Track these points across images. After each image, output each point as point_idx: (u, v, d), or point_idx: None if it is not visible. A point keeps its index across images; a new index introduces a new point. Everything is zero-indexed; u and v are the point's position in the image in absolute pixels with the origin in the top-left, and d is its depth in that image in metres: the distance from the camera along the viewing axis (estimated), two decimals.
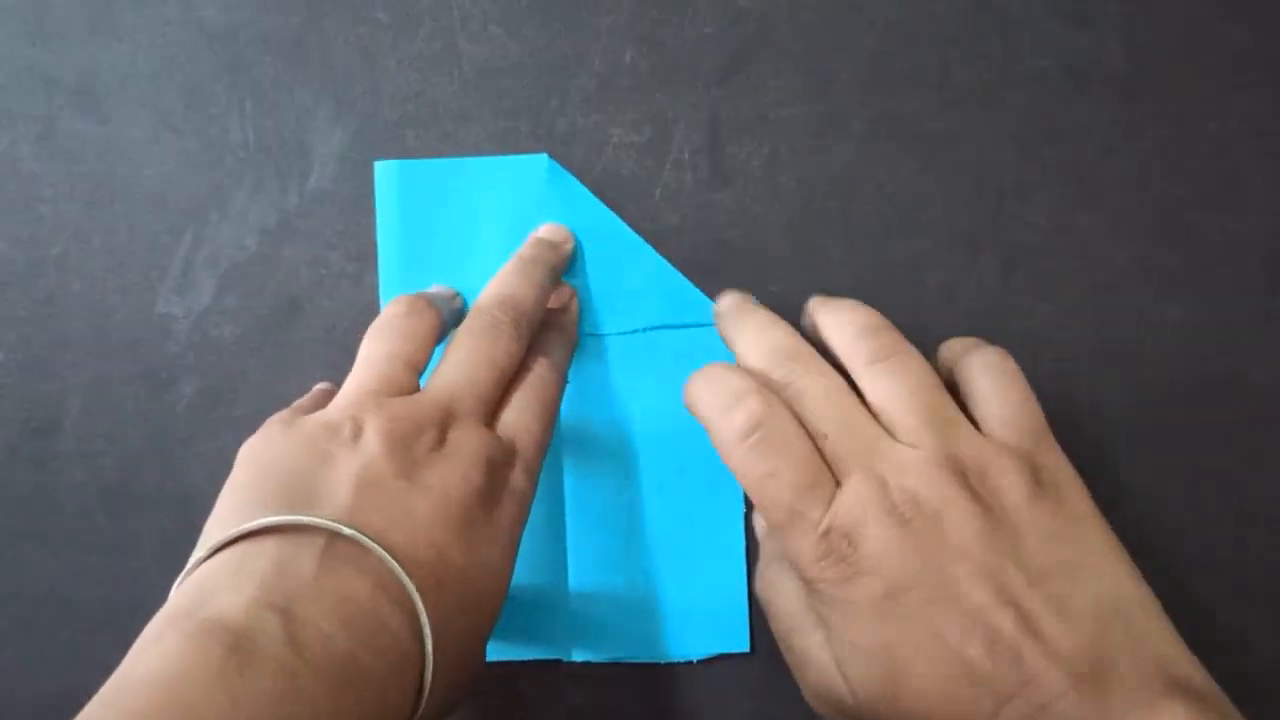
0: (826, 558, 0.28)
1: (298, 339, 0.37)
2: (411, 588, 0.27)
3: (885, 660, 0.27)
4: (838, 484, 0.28)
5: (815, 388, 0.30)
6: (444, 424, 0.30)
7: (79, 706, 0.23)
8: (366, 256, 0.37)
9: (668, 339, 0.36)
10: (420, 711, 0.27)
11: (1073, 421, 0.36)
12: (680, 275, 0.36)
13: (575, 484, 0.36)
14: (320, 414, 0.30)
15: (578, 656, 0.35)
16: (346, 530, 0.27)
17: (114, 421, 0.37)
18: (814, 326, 0.33)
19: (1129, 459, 0.36)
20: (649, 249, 0.36)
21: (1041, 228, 0.37)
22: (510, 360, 0.33)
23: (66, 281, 0.37)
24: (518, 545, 0.31)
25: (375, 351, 0.32)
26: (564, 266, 0.36)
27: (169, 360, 0.37)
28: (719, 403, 0.30)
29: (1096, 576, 0.27)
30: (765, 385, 0.30)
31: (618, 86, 0.37)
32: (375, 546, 0.27)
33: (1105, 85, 0.37)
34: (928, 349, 0.36)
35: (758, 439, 0.29)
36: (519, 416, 0.32)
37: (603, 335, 0.36)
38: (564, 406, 0.36)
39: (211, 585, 0.25)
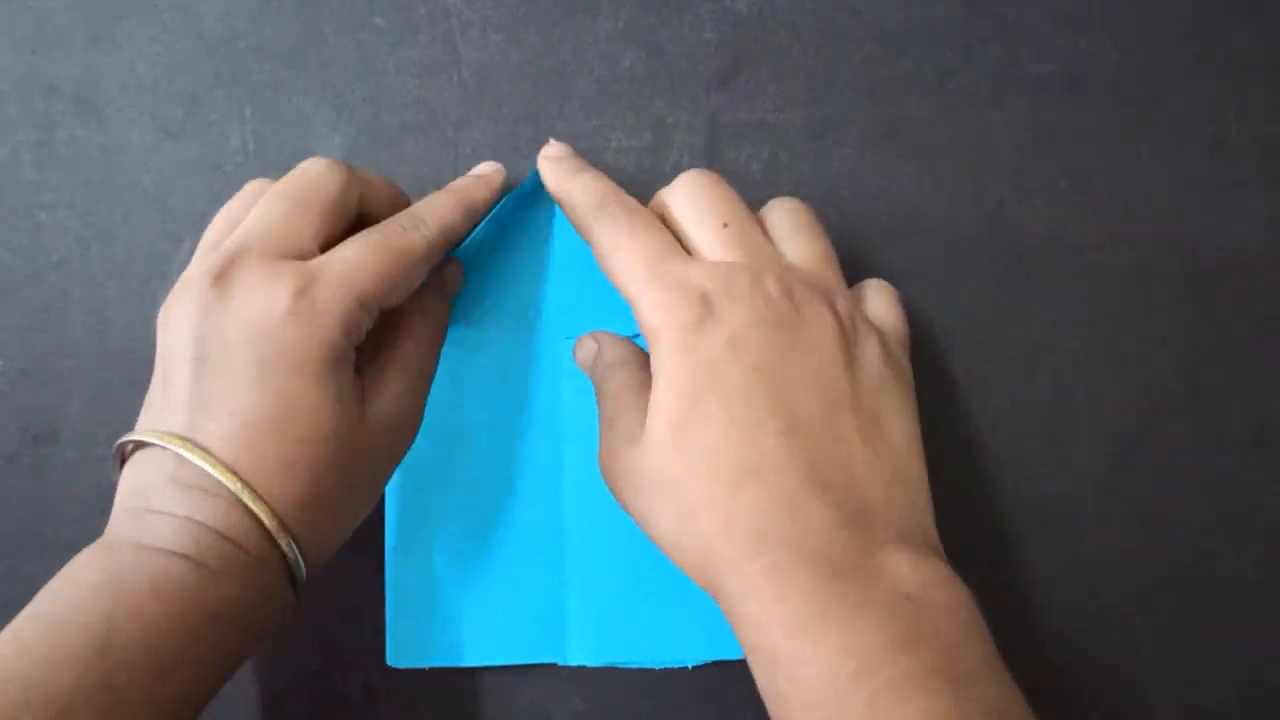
0: (682, 303, 0.29)
1: None
2: (254, 504, 0.28)
3: (690, 407, 0.28)
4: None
5: (722, 187, 0.32)
6: (226, 268, 0.29)
7: None
8: None
9: None
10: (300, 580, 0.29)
11: (1072, 427, 0.36)
12: None
13: (573, 486, 0.36)
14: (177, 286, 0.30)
15: (573, 660, 0.35)
16: (185, 454, 0.28)
17: (114, 429, 0.37)
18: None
19: (1128, 465, 0.36)
20: None
21: (1040, 233, 0.37)
22: (325, 199, 0.31)
23: (66, 288, 0.37)
24: (327, 373, 0.29)
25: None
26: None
27: None
28: (579, 185, 0.32)
29: (902, 444, 0.30)
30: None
31: (617, 91, 0.37)
32: (212, 471, 0.27)
33: (1103, 90, 0.37)
34: (929, 357, 0.36)
35: (616, 207, 0.31)
36: (341, 250, 0.30)
37: None
38: (564, 409, 0.36)
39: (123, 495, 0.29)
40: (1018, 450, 0.36)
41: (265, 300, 0.28)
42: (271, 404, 0.28)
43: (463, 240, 0.34)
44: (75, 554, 0.37)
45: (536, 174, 0.35)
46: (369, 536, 0.35)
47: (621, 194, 0.32)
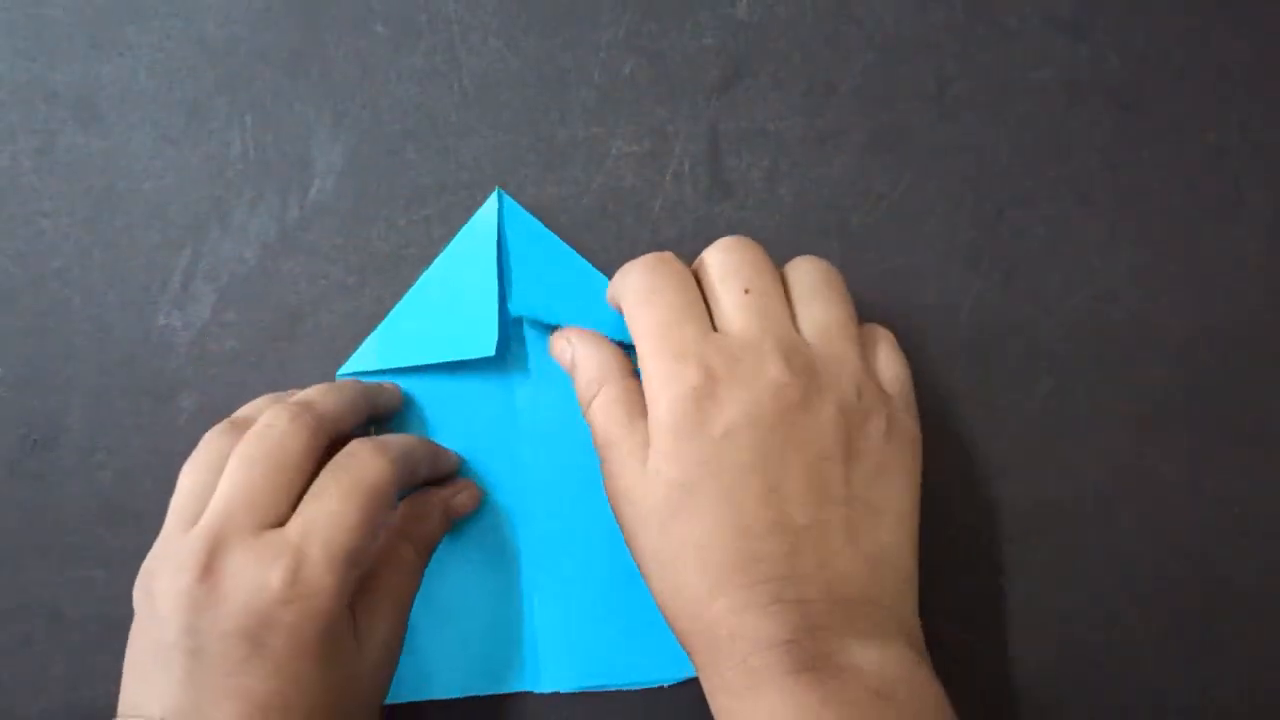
0: (685, 375, 0.29)
1: (298, 352, 0.37)
2: None
3: (681, 498, 0.29)
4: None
5: (753, 251, 0.32)
6: (212, 556, 0.29)
7: None
8: (366, 269, 0.37)
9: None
10: None
11: (1073, 433, 0.36)
12: None
13: (532, 509, 0.35)
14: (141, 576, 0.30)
15: (547, 687, 0.35)
16: None
17: (114, 435, 0.37)
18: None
19: (1129, 470, 0.36)
20: (606, 280, 0.35)
21: (1040, 239, 0.37)
22: (293, 458, 0.30)
23: (67, 295, 0.37)
24: (327, 643, 0.29)
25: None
26: (385, 406, 0.35)
27: (169, 374, 0.37)
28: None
29: (891, 529, 0.30)
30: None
31: (617, 99, 0.37)
32: None
33: (1103, 96, 0.37)
34: (929, 363, 0.36)
35: (649, 263, 0.31)
36: (316, 505, 0.30)
37: None
38: (526, 431, 0.35)
39: None
40: (1018, 456, 0.36)
41: (256, 589, 0.28)
42: (273, 686, 0.28)
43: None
44: (74, 565, 0.37)
45: (494, 205, 0.35)
46: None
47: (659, 255, 0.32)
